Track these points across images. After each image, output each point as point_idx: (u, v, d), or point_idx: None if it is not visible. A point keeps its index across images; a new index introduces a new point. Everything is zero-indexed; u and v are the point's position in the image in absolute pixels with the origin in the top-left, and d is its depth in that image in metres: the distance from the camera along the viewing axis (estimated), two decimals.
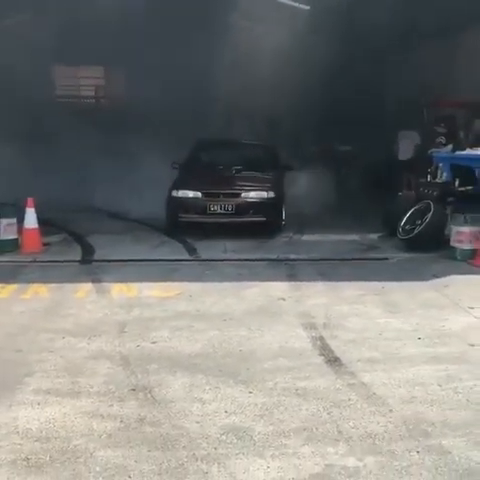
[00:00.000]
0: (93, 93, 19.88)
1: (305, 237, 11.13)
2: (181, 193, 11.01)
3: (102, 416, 4.47)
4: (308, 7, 16.15)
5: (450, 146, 11.23)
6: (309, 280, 8.05)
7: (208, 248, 9.96)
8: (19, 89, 13.66)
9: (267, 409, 4.55)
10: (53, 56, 15.47)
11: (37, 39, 13.69)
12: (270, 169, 11.98)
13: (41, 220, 9.89)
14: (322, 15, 14.21)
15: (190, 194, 11.00)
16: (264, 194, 11.04)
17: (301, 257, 9.43)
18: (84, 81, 19.71)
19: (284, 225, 11.39)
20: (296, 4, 16.43)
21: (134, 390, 4.87)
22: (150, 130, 13.58)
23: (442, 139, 11.63)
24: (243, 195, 11.02)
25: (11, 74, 13.67)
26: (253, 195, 11.03)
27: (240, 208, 10.85)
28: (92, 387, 4.92)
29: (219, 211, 10.87)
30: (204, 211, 10.86)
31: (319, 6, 14.54)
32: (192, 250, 9.94)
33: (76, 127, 14.20)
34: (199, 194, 10.99)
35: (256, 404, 4.63)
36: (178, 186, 11.11)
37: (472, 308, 6.80)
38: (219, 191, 11.03)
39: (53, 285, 7.78)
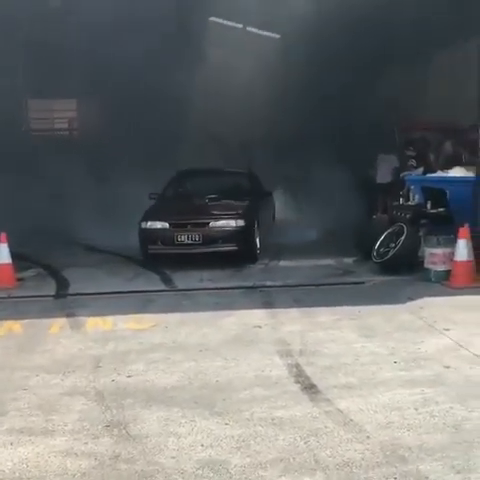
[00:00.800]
0: (66, 125, 19.89)
1: (282, 263, 11.11)
2: (150, 224, 10.90)
3: (76, 454, 4.41)
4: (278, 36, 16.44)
5: (421, 169, 11.38)
6: (285, 307, 8.04)
7: (184, 278, 9.92)
8: None
9: (243, 441, 4.53)
10: (27, 90, 15.44)
11: (9, 73, 13.70)
12: (247, 196, 11.91)
13: (15, 254, 9.82)
14: (293, 42, 14.45)
15: (158, 225, 10.90)
16: (232, 223, 10.84)
17: (277, 284, 9.42)
18: (58, 114, 19.73)
19: (259, 253, 11.15)
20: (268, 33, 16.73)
21: (109, 426, 4.82)
22: (126, 161, 13.59)
23: (413, 162, 11.79)
24: (211, 224, 10.83)
25: None
26: (221, 224, 10.84)
27: (207, 238, 10.67)
28: (66, 425, 4.86)
29: (187, 241, 10.67)
30: (172, 242, 10.68)
31: (289, 34, 14.79)
32: (168, 280, 9.90)
33: (50, 159, 14.16)
34: (167, 225, 10.87)
35: (232, 436, 4.60)
36: (147, 217, 11.01)
37: (447, 330, 6.84)
38: (186, 221, 10.91)
39: (27, 321, 7.69)
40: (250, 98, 14.77)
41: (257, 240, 11.17)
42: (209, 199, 11.57)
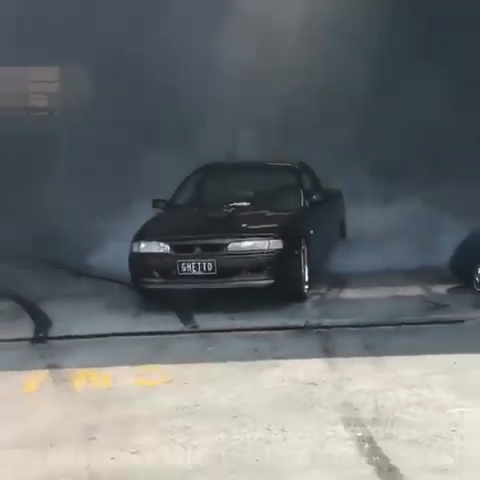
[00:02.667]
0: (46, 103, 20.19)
1: (346, 293, 11.14)
2: (143, 247, 10.20)
3: None
4: None
5: None
6: (351, 355, 8.06)
7: (209, 314, 9.97)
8: None
9: None
10: None
11: None
12: (295, 202, 11.22)
13: None
14: None
15: (154, 248, 10.16)
16: (263, 244, 9.94)
17: (339, 323, 9.48)
18: (34, 87, 20.04)
19: (308, 289, 10.52)
20: None
21: None
22: (123, 152, 13.77)
23: None
24: (230, 247, 9.95)
25: None
26: (246, 246, 9.95)
27: (225, 267, 9.83)
28: None
29: (194, 272, 9.86)
30: (173, 273, 9.97)
31: None
32: (187, 318, 9.97)
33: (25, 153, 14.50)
34: (167, 247, 10.08)
35: None
36: (141, 236, 10.32)
37: None
38: (193, 242, 10.11)
39: None
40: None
41: (305, 269, 10.39)
42: (233, 209, 10.90)
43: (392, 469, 5.44)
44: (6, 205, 14.35)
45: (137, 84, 15.12)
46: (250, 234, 10.15)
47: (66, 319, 10.02)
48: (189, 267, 9.83)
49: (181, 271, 9.87)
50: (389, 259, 11.52)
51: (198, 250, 9.93)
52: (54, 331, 9.65)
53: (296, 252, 10.11)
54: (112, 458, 5.78)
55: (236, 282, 9.87)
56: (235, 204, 10.87)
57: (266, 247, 9.89)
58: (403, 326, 9.23)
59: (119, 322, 9.85)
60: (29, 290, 11.51)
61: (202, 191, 11.95)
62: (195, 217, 10.90)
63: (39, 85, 19.48)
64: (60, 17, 14.36)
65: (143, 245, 10.14)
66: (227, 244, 9.93)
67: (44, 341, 9.27)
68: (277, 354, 8.22)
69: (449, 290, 10.80)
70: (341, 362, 7.90)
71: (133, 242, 10.19)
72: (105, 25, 13.98)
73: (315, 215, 11.28)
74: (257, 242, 9.97)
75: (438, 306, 10.14)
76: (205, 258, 9.81)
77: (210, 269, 9.80)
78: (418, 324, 9.32)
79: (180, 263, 9.86)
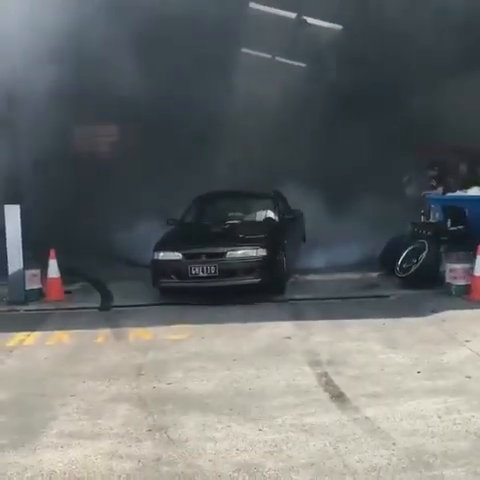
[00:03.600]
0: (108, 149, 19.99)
1: (310, 277, 11.03)
2: (162, 255, 9.41)
3: (121, 457, 4.45)
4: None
5: (441, 188, 11.31)
6: (313, 319, 8.00)
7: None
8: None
9: (276, 446, 4.52)
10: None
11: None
12: (272, 220, 10.53)
13: (63, 268, 9.94)
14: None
15: (171, 256, 9.36)
16: (252, 252, 9.26)
17: (305, 297, 9.37)
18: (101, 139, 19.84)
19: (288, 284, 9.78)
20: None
21: (151, 431, 4.85)
22: (163, 182, 13.60)
23: (433, 182, 11.71)
24: (228, 255, 9.25)
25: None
26: (240, 254, 9.24)
27: (225, 270, 9.11)
28: (111, 429, 4.91)
29: (201, 274, 9.12)
30: (186, 275, 9.15)
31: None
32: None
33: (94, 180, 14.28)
34: (180, 256, 9.32)
35: (266, 441, 4.59)
36: (160, 247, 9.56)
37: (468, 341, 6.75)
38: (200, 251, 9.35)
39: (75, 332, 7.80)
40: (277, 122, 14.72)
41: (284, 268, 9.72)
42: (229, 225, 10.18)
43: (341, 395, 5.44)
44: None
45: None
46: (242, 244, 9.42)
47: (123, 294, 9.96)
48: (197, 270, 9.13)
49: (191, 273, 9.15)
50: (336, 255, 11.35)
51: (204, 258, 9.24)
52: (115, 302, 9.57)
53: (277, 257, 9.48)
54: (154, 387, 5.79)
55: (233, 281, 9.12)
56: (230, 222, 10.27)
57: (254, 254, 9.25)
58: (348, 299, 9.18)
59: (159, 296, 9.78)
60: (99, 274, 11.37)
61: (204, 212, 11.18)
62: (200, 232, 10.11)
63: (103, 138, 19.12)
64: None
65: (162, 254, 9.41)
66: (225, 252, 9.26)
67: (108, 309, 9.22)
68: (263, 318, 8.13)
69: (379, 275, 10.73)
70: (307, 324, 7.84)
71: (154, 252, 9.47)
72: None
73: (287, 228, 10.66)
74: (247, 250, 9.30)
75: (371, 286, 10.11)
76: (209, 263, 9.15)
77: (213, 271, 9.11)
78: (358, 298, 9.25)
79: (190, 267, 9.15)
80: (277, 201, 11.14)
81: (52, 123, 12.25)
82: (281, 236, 10.10)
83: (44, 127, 12.02)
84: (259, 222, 10.44)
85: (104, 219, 13.21)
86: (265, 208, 10.83)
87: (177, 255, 9.31)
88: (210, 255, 9.25)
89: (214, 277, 9.10)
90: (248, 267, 9.15)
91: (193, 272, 9.12)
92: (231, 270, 9.13)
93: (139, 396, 5.57)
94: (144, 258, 11.90)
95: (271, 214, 10.72)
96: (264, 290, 9.18)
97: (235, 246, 9.34)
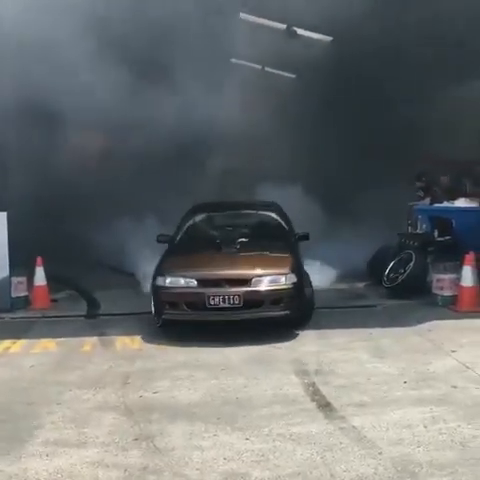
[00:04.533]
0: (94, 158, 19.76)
1: None
2: (169, 281, 7.73)
3: (107, 466, 4.43)
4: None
5: (428, 199, 11.40)
6: (301, 329, 7.96)
7: None
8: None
9: (263, 455, 4.52)
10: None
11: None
12: (282, 237, 8.86)
13: (49, 276, 9.90)
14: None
15: (181, 282, 7.71)
16: (281, 278, 7.71)
17: None
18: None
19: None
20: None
21: (137, 439, 4.84)
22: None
23: (421, 193, 11.79)
24: (254, 281, 7.62)
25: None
26: (268, 281, 7.67)
27: (250, 300, 7.54)
28: (98, 437, 4.89)
29: (222, 305, 7.49)
30: (202, 305, 7.52)
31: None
32: None
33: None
34: (194, 282, 7.68)
35: (253, 450, 4.59)
36: (165, 271, 7.88)
37: (454, 351, 6.80)
38: (221, 277, 7.68)
39: (61, 340, 7.78)
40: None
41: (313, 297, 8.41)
42: (240, 244, 8.37)
43: (328, 404, 5.45)
44: None
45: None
46: (268, 270, 7.80)
47: (110, 302, 9.94)
48: (217, 300, 7.52)
49: (209, 304, 7.53)
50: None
51: (225, 285, 7.61)
52: (101, 310, 9.57)
53: (303, 283, 7.96)
54: (140, 396, 5.77)
55: (259, 313, 7.60)
56: (242, 239, 8.51)
57: (284, 281, 7.71)
58: (336, 309, 9.21)
59: (146, 304, 9.71)
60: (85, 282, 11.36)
61: (203, 226, 9.45)
62: (211, 252, 8.22)
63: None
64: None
65: (169, 280, 7.77)
66: (251, 279, 7.65)
67: (95, 317, 9.21)
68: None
69: (365, 285, 10.78)
70: (295, 333, 7.80)
71: (157, 276, 7.91)
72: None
73: (298, 246, 8.93)
74: (276, 277, 7.73)
75: (358, 296, 10.15)
76: (233, 292, 7.54)
77: (237, 302, 7.51)
78: (345, 308, 9.31)
79: (209, 296, 7.53)
80: (283, 213, 9.46)
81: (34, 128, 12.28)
82: (299, 256, 8.50)
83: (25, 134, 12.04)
84: (271, 239, 8.70)
85: (88, 227, 13.13)
86: (272, 221, 9.29)
87: (190, 281, 7.70)
88: (232, 282, 7.64)
89: (238, 308, 7.52)
90: (277, 297, 7.60)
91: (212, 302, 7.52)
92: (257, 300, 7.58)
93: (125, 405, 5.55)
94: (131, 266, 11.96)
95: (284, 228, 9.12)
96: (288, 323, 7.81)
97: (261, 270, 7.77)
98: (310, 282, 8.20)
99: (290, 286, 7.68)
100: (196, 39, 12.39)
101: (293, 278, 7.73)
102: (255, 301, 7.58)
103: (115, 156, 14.38)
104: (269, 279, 7.69)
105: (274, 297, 7.62)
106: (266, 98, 14.87)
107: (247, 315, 7.53)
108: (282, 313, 7.62)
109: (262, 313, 7.59)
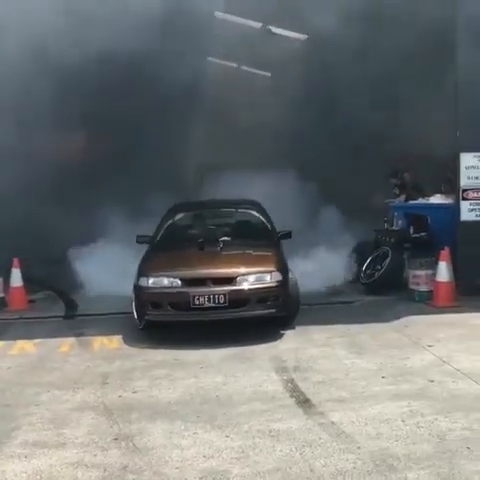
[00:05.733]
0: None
1: None
2: (153, 282, 7.57)
3: (86, 466, 4.41)
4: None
5: (403, 196, 11.49)
6: (287, 328, 7.89)
7: None
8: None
9: (243, 452, 4.53)
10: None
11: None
12: (265, 236, 8.73)
13: (26, 277, 9.79)
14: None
15: (165, 282, 7.55)
16: (266, 277, 7.60)
17: None
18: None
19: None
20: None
21: (117, 439, 4.82)
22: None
23: (396, 190, 11.89)
24: (239, 280, 7.49)
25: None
26: (253, 279, 7.54)
27: (235, 299, 7.40)
28: (77, 438, 4.86)
29: (207, 304, 7.34)
30: (186, 305, 7.37)
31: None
32: None
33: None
34: (178, 282, 7.52)
35: (232, 447, 4.60)
36: (147, 271, 7.72)
37: (431, 346, 6.87)
38: (206, 276, 7.56)
39: (38, 341, 7.70)
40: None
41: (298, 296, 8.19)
42: (223, 243, 8.23)
43: (307, 400, 5.48)
44: None
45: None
46: (253, 268, 7.68)
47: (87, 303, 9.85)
48: (202, 300, 7.37)
49: (194, 304, 7.38)
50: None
51: (210, 284, 7.46)
52: (79, 311, 9.47)
53: (288, 283, 7.82)
54: (119, 396, 5.75)
55: (244, 313, 7.47)
56: (224, 238, 8.39)
57: (269, 279, 7.59)
58: (314, 306, 9.21)
59: (124, 305, 9.66)
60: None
61: (184, 225, 9.30)
62: (194, 252, 8.05)
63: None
64: None
65: (152, 280, 7.61)
66: (236, 277, 7.51)
67: (72, 318, 9.13)
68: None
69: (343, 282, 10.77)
70: (274, 330, 7.75)
71: (140, 277, 7.72)
72: None
73: (281, 244, 8.74)
74: (261, 275, 7.61)
75: (337, 292, 10.15)
76: (217, 292, 7.40)
77: (222, 301, 7.37)
78: (323, 304, 9.30)
79: (193, 296, 7.39)
80: (264, 211, 9.28)
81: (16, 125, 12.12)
82: (283, 254, 8.33)
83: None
84: (254, 238, 8.59)
85: (65, 227, 12.96)
86: (254, 219, 9.19)
87: (174, 281, 7.55)
88: (217, 281, 7.50)
89: (223, 308, 7.38)
90: (264, 295, 7.49)
91: (197, 302, 7.36)
92: (243, 299, 7.44)
93: (105, 405, 5.53)
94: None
95: (266, 226, 8.98)
96: (274, 322, 7.74)
97: (246, 268, 7.62)
98: (295, 280, 8.10)
99: (275, 284, 7.58)
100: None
101: (278, 276, 7.62)
102: (240, 300, 7.45)
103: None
104: (254, 277, 7.57)
105: (260, 295, 7.49)
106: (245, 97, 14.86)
107: (232, 314, 7.40)
108: (268, 312, 7.53)
109: (248, 312, 7.46)
